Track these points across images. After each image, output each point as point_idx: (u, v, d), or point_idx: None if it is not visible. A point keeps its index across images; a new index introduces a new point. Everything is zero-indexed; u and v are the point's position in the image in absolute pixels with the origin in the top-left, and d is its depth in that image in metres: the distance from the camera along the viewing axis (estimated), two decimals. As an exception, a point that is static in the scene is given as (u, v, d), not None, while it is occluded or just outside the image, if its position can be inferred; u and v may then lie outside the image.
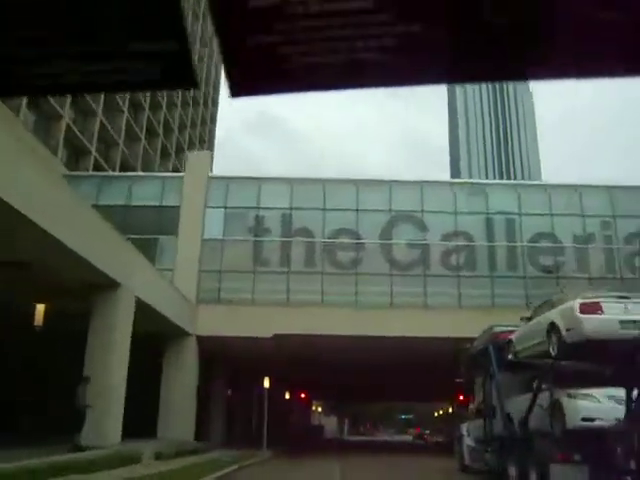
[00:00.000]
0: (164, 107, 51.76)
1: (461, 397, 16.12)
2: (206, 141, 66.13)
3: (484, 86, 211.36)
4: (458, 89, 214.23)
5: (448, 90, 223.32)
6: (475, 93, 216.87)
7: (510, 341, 12.69)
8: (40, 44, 0.97)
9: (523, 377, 12.30)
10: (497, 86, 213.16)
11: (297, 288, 25.42)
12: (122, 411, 16.65)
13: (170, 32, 0.92)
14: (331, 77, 0.92)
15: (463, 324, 23.82)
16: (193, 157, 29.21)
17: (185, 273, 25.11)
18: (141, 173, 34.26)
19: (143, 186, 27.54)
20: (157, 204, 26.54)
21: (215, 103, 71.71)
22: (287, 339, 24.33)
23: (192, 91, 60.68)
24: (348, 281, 25.46)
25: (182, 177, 27.60)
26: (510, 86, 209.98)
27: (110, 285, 16.31)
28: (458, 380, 16.24)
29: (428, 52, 0.88)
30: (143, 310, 18.85)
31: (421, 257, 25.97)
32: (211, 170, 29.01)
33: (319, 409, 77.71)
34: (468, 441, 15.08)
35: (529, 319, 12.05)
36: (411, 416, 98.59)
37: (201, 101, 64.57)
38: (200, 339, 24.43)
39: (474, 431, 14.76)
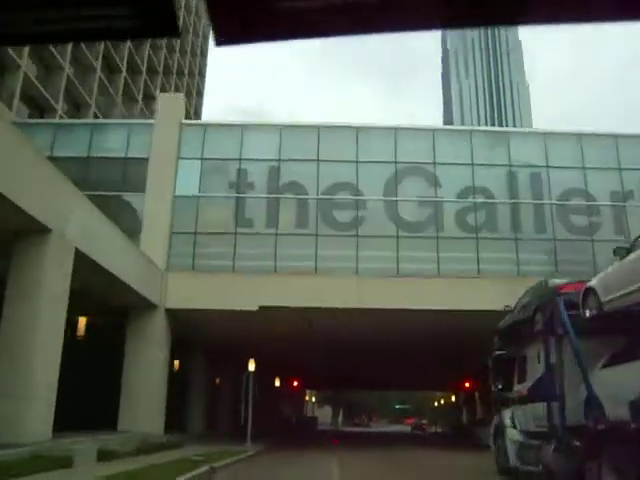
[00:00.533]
0: (144, 72, 47.44)
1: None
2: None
3: (477, 39, 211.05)
4: (450, 44, 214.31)
5: (442, 51, 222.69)
6: (468, 48, 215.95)
7: (590, 291, 8.79)
8: None
9: (615, 340, 8.43)
10: (489, 38, 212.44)
11: (287, 253, 21.45)
12: (54, 397, 12.58)
13: None
14: (322, 22, 0.87)
15: (483, 295, 20.17)
16: (165, 100, 24.92)
17: (153, 235, 21.10)
18: (104, 120, 30.01)
19: (106, 135, 23.40)
20: (122, 155, 22.45)
21: (202, 74, 67.48)
22: (275, 313, 20.43)
23: (175, 60, 56.49)
24: (347, 245, 21.52)
25: (152, 124, 23.46)
26: (503, 37, 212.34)
27: (36, 231, 12.30)
28: (498, 352, 12.30)
29: None
30: (90, 270, 14.92)
31: (433, 216, 22.02)
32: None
33: (313, 399, 74.07)
34: (514, 434, 11.15)
35: (627, 252, 8.13)
36: (407, 406, 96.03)
37: (186, 71, 60.33)
38: (171, 313, 20.45)
39: (524, 420, 10.85)
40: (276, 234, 21.46)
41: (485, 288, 20.38)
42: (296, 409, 56.84)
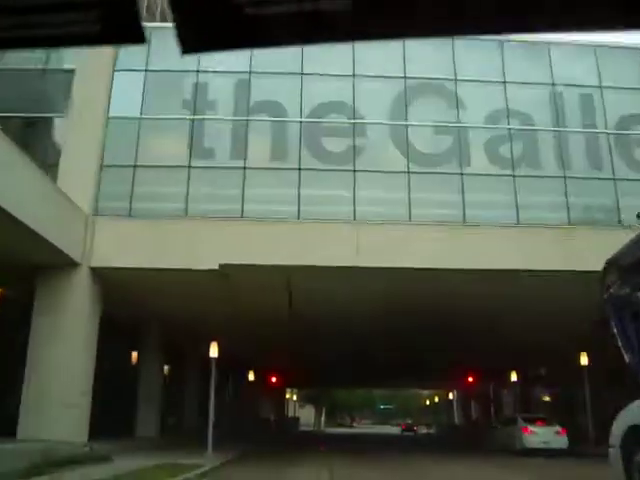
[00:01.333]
0: None
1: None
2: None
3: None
4: None
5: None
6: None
7: None
8: None
9: None
10: None
11: (259, 193, 15.82)
12: None
13: None
14: (292, 30, 0.85)
15: (526, 249, 15.07)
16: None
17: (76, 169, 15.37)
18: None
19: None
20: (41, 66, 16.73)
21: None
22: (242, 273, 14.91)
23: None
24: (340, 183, 15.99)
25: (78, 27, 17.75)
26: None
27: None
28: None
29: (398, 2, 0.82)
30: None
31: (455, 147, 16.54)
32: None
33: (294, 398, 68.57)
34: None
35: None
36: (391, 406, 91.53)
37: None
38: (99, 273, 14.75)
39: None
40: (244, 168, 15.81)
41: (527, 240, 15.09)
42: (276, 409, 51.27)
